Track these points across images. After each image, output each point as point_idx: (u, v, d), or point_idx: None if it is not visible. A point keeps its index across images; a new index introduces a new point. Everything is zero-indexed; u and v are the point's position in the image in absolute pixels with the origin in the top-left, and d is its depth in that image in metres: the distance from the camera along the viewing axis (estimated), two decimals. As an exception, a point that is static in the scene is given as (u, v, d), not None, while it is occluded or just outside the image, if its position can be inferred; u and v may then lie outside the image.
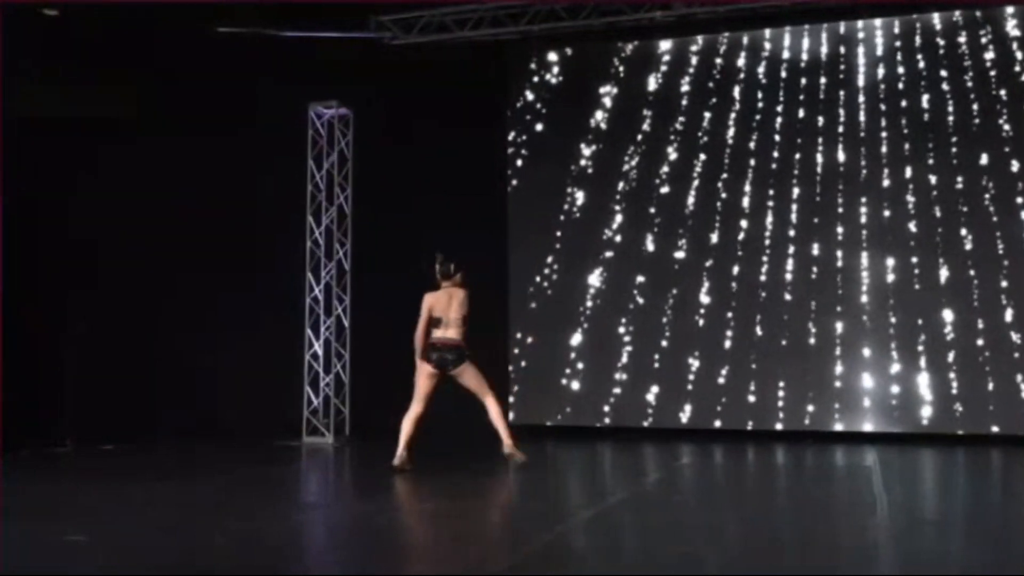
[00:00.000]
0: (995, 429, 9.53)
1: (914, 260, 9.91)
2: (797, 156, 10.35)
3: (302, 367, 10.31)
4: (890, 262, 9.98)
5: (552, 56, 11.06)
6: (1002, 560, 4.63)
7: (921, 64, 10.11)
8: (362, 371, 10.53)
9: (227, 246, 10.81)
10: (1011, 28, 9.91)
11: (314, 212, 10.42)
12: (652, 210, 10.63)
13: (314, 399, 10.30)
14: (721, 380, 10.25)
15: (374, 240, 10.63)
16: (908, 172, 10.03)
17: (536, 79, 11.07)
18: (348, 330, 10.50)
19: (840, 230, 10.14)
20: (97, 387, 10.03)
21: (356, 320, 10.52)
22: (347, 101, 10.49)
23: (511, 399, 10.80)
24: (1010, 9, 9.89)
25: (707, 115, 10.58)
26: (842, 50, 10.34)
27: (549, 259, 10.86)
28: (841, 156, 10.23)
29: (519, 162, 11.05)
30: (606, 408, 10.51)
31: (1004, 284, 9.64)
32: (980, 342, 9.63)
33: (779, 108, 10.45)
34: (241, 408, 10.58)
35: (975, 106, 9.92)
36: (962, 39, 10.01)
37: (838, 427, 9.94)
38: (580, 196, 10.85)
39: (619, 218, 10.71)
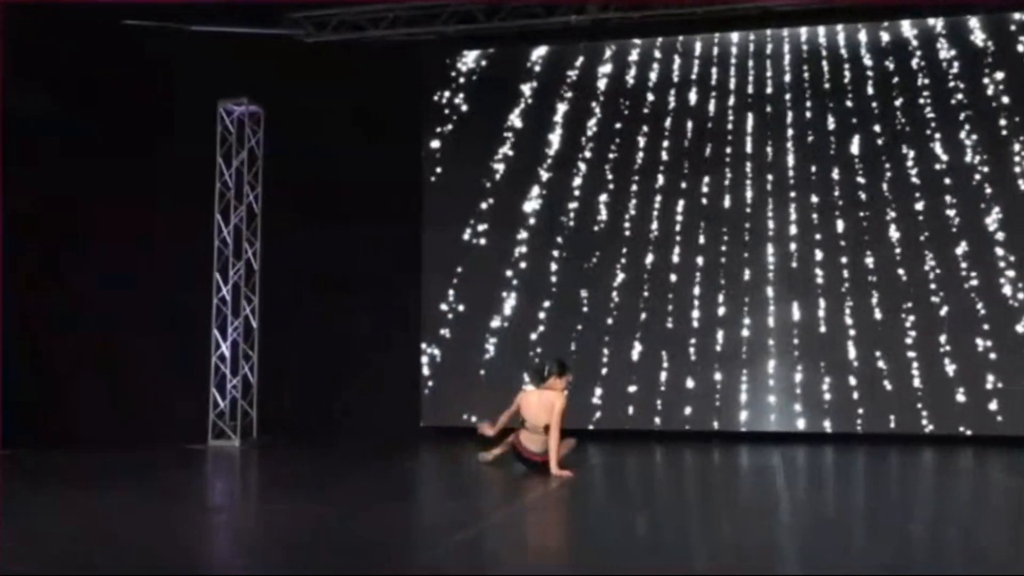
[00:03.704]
0: (892, 426, 9.85)
1: (820, 280, 10.17)
2: (705, 184, 10.48)
3: (208, 369, 10.10)
4: (799, 294, 10.18)
5: (468, 57, 11.06)
6: (900, 557, 4.77)
7: (827, 85, 10.34)
8: (270, 373, 10.36)
9: (131, 244, 10.52)
10: (917, 60, 10.20)
11: (222, 211, 10.22)
12: (563, 221, 10.70)
13: (220, 401, 10.09)
14: (631, 382, 10.36)
15: (284, 240, 10.47)
16: (813, 199, 10.25)
17: (451, 80, 11.06)
18: (256, 331, 10.32)
19: (747, 273, 10.30)
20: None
21: (265, 321, 10.35)
22: (258, 98, 10.31)
23: (424, 399, 10.76)
24: (941, 28, 10.21)
25: (618, 126, 10.69)
26: (751, 65, 10.52)
27: (464, 260, 10.85)
28: (748, 184, 10.42)
29: (435, 161, 11.01)
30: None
31: (906, 299, 9.98)
32: (878, 353, 9.92)
33: (688, 127, 10.57)
34: (144, 411, 10.29)
35: (877, 127, 10.20)
36: (865, 56, 10.31)
37: (743, 425, 10.15)
38: (496, 196, 10.87)
39: (533, 221, 10.77)
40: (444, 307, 10.83)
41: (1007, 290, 9.75)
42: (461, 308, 10.81)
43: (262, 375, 10.33)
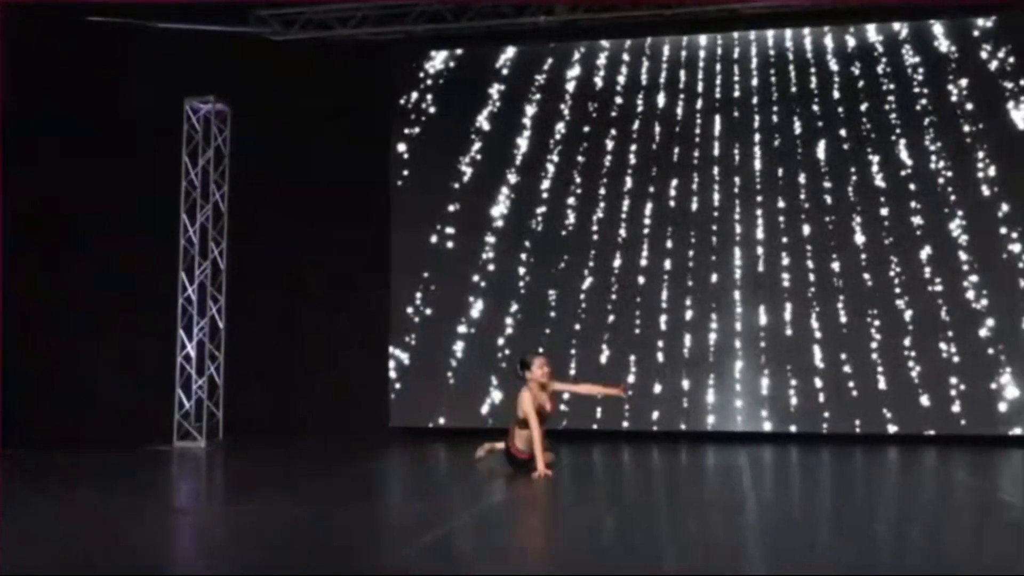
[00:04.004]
0: (857, 429, 9.92)
1: (787, 284, 10.22)
2: (673, 188, 10.46)
3: (174, 369, 9.99)
4: (766, 298, 10.18)
5: (437, 57, 11.01)
6: (865, 556, 4.81)
7: (794, 89, 10.37)
8: (237, 373, 10.27)
9: (97, 243, 10.40)
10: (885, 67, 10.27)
11: (188, 210, 10.12)
12: (531, 224, 10.66)
13: (186, 402, 9.99)
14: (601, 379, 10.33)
15: (252, 240, 10.39)
16: (780, 204, 10.28)
17: (419, 81, 11.00)
18: (223, 331, 10.23)
19: (714, 276, 10.32)
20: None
21: (231, 321, 10.26)
22: (225, 97, 10.21)
23: (392, 400, 10.70)
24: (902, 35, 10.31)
25: (586, 129, 10.66)
26: (718, 69, 10.55)
27: (432, 262, 10.79)
28: (715, 187, 10.41)
29: (403, 163, 10.94)
30: (485, 409, 10.51)
31: (868, 300, 10.06)
32: (843, 356, 9.99)
33: (656, 130, 10.54)
34: (109, 412, 10.17)
35: (843, 132, 10.23)
36: (831, 60, 10.36)
37: (710, 427, 10.18)
38: (464, 198, 10.82)
39: (500, 224, 10.73)
40: (412, 309, 10.78)
41: (970, 294, 9.85)
42: (429, 310, 10.76)
43: (228, 375, 10.23)
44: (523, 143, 10.77)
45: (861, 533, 5.28)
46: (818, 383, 10.00)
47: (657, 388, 10.26)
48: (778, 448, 9.62)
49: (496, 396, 10.46)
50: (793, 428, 10.02)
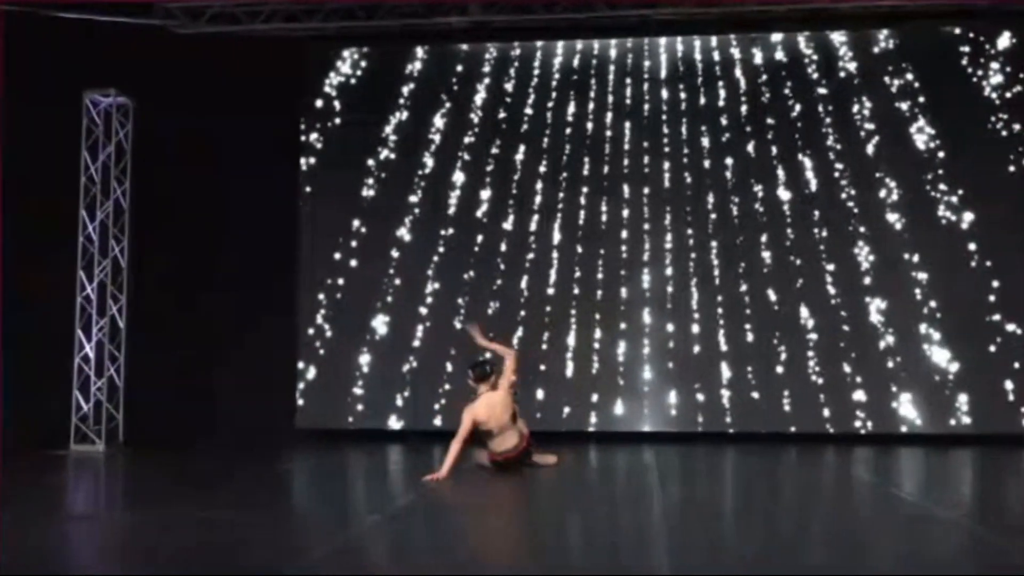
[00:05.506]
0: (762, 430, 10.12)
1: (695, 301, 10.28)
2: (581, 203, 10.49)
3: (71, 370, 9.67)
4: (674, 314, 10.24)
5: (345, 64, 10.85)
6: (769, 551, 4.91)
7: (703, 100, 10.47)
8: (138, 375, 9.99)
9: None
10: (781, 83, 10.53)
11: (87, 206, 9.81)
12: (439, 238, 10.55)
13: (84, 405, 9.68)
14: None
15: (154, 237, 10.13)
16: (688, 219, 10.36)
17: (329, 86, 10.82)
18: (123, 332, 9.94)
19: (623, 286, 10.39)
20: None
21: (133, 321, 9.97)
22: (128, 90, 9.92)
23: (299, 401, 10.52)
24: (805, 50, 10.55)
25: (497, 141, 10.60)
26: (628, 82, 10.63)
27: (340, 272, 10.62)
28: (624, 202, 10.45)
29: (311, 173, 10.72)
30: (394, 413, 10.42)
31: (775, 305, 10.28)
32: (750, 368, 10.14)
33: (566, 142, 10.51)
34: (2, 414, 9.79)
35: (750, 147, 10.35)
36: (739, 75, 10.50)
37: (619, 428, 10.27)
38: (375, 197, 10.68)
39: (409, 225, 10.64)
40: (318, 319, 10.56)
41: (871, 310, 10.08)
42: (336, 320, 10.54)
43: (130, 377, 9.95)
44: (430, 159, 10.66)
45: (762, 528, 5.40)
46: (724, 397, 10.13)
47: (566, 410, 10.27)
48: (684, 447, 9.76)
49: (405, 394, 10.40)
50: (699, 431, 10.17)
